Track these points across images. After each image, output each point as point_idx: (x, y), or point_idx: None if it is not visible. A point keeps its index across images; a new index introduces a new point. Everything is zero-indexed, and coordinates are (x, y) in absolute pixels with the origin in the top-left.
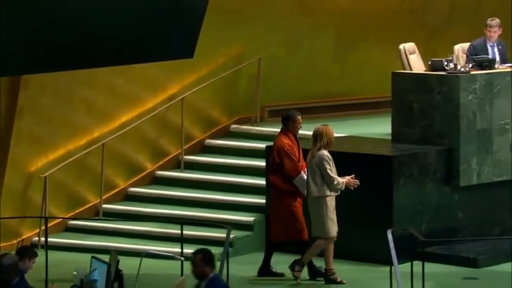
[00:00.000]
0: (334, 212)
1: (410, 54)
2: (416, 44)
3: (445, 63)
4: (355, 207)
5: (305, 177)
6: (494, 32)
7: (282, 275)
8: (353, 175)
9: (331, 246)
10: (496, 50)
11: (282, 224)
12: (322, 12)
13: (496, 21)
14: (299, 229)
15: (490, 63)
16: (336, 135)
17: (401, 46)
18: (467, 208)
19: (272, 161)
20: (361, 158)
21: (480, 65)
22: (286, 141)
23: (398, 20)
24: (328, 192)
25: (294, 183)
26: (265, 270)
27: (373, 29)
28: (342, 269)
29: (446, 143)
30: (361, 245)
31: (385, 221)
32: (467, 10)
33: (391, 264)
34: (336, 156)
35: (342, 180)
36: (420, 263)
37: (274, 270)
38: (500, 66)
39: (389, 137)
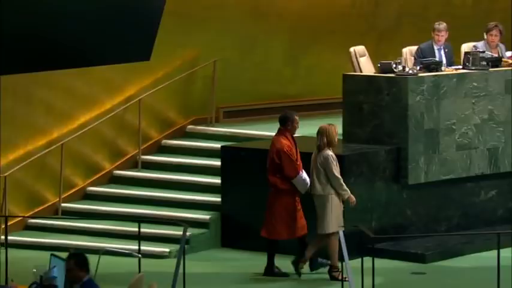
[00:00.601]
0: (341, 208)
1: (361, 57)
2: (366, 47)
3: (394, 65)
4: (308, 205)
5: (304, 176)
6: (442, 36)
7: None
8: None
9: (336, 243)
10: (442, 53)
11: (282, 222)
12: (275, 16)
13: (443, 25)
14: (298, 227)
15: (437, 66)
16: None
17: (351, 49)
18: (416, 205)
19: (271, 161)
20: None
21: (427, 68)
22: (285, 142)
23: (349, 24)
24: (332, 191)
25: (293, 183)
26: (269, 270)
27: (325, 33)
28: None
29: (395, 143)
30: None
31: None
32: (415, 14)
33: (342, 260)
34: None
35: (348, 191)
36: (370, 259)
37: (277, 270)
38: (446, 69)
39: (341, 137)
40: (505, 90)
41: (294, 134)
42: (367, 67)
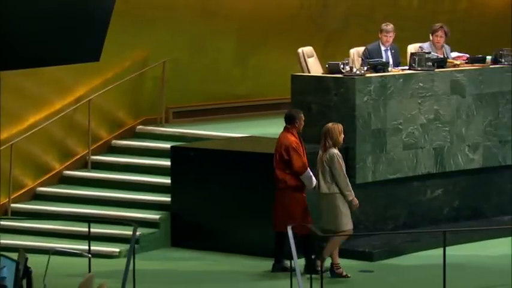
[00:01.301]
0: (347, 206)
1: (309, 57)
2: (314, 48)
3: (342, 66)
4: (255, 204)
5: (311, 173)
6: (390, 37)
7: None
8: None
9: (338, 241)
10: (389, 53)
11: (295, 218)
12: (224, 17)
13: (390, 26)
14: (307, 223)
15: (384, 67)
16: (237, 135)
17: (300, 50)
18: (363, 204)
19: (279, 158)
20: (262, 157)
21: (374, 68)
22: (293, 138)
23: (297, 25)
24: (337, 190)
25: (301, 179)
26: (278, 265)
27: (273, 34)
28: (244, 265)
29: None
30: (262, 240)
31: None
32: (362, 16)
33: (291, 258)
34: (238, 155)
35: (352, 193)
36: None
37: (287, 266)
38: (393, 69)
39: None
40: (451, 91)
41: (300, 132)
42: (315, 68)
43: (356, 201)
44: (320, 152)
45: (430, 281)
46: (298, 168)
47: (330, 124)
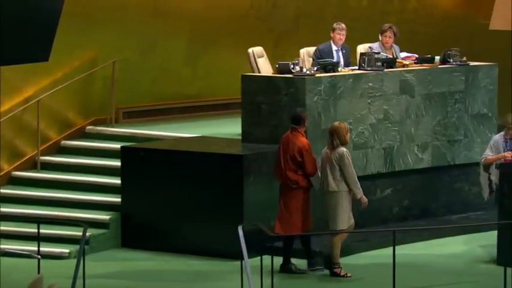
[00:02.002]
0: (350, 204)
1: (259, 57)
2: (265, 48)
3: (292, 66)
4: (207, 204)
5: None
6: (343, 35)
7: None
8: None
9: (339, 241)
10: (340, 54)
11: (299, 219)
12: (175, 17)
13: (342, 25)
14: (309, 223)
15: (334, 67)
16: (188, 135)
17: (250, 50)
18: (314, 203)
19: (291, 159)
20: (213, 157)
21: (324, 68)
22: (304, 139)
23: (247, 25)
24: (345, 188)
25: (311, 179)
26: (286, 267)
27: (223, 34)
28: (194, 264)
29: None
30: (213, 240)
31: (236, 217)
32: (311, 16)
33: (241, 258)
34: (188, 156)
35: (361, 190)
36: (269, 257)
37: (294, 267)
38: (343, 69)
39: (240, 137)
40: (400, 91)
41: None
42: (265, 68)
43: (365, 198)
44: (327, 151)
45: (380, 280)
46: (311, 170)
47: (336, 123)
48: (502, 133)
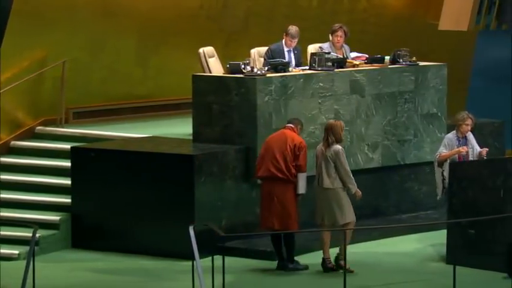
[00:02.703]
0: (348, 198)
1: (210, 57)
2: (215, 48)
3: (243, 66)
4: (158, 204)
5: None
6: (295, 42)
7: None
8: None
9: (328, 237)
10: (292, 54)
11: (294, 214)
12: (124, 17)
13: (295, 29)
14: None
15: (285, 67)
16: (138, 135)
17: (200, 50)
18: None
19: (292, 153)
20: (164, 157)
21: (275, 68)
22: (299, 137)
23: (198, 25)
24: (340, 184)
25: (298, 177)
26: (282, 264)
27: (174, 34)
28: (145, 265)
29: (244, 142)
30: (164, 241)
31: (187, 217)
32: (262, 16)
33: (193, 259)
34: (139, 156)
35: (356, 186)
36: (221, 257)
37: (294, 264)
38: (294, 69)
39: (191, 137)
40: (350, 91)
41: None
42: (216, 68)
43: (359, 192)
44: (322, 148)
45: (331, 278)
46: (304, 167)
47: (332, 121)
48: (454, 132)
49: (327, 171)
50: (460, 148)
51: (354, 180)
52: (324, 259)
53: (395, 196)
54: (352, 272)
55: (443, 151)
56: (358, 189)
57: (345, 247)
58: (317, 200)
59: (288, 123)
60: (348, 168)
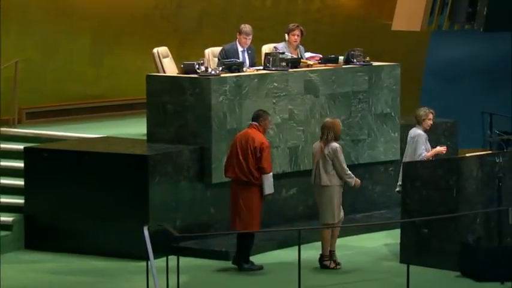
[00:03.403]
0: (341, 198)
1: (164, 57)
2: (170, 48)
3: (197, 66)
4: (112, 205)
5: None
6: (249, 39)
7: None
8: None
9: (329, 234)
10: (246, 54)
11: (257, 216)
12: (78, 17)
13: (248, 27)
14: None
15: (239, 67)
16: (93, 135)
17: (155, 50)
18: (219, 204)
19: (252, 154)
20: (118, 157)
21: (229, 68)
22: (263, 137)
23: (152, 25)
24: (338, 182)
25: (264, 178)
26: (241, 263)
27: (128, 34)
28: (99, 265)
29: (199, 142)
30: (118, 241)
31: (142, 218)
32: (216, 16)
33: (147, 259)
34: (93, 156)
35: (353, 176)
36: (175, 257)
37: (249, 265)
38: (248, 69)
39: (145, 137)
40: (304, 91)
41: (266, 132)
42: (170, 68)
43: (358, 181)
44: (320, 146)
45: (286, 278)
46: (268, 167)
47: (329, 119)
48: (419, 129)
49: (325, 169)
50: (442, 149)
51: (352, 174)
52: (321, 256)
53: (350, 196)
54: (339, 268)
55: (424, 152)
56: (356, 179)
57: (330, 245)
58: (316, 197)
59: (252, 120)
60: (345, 166)
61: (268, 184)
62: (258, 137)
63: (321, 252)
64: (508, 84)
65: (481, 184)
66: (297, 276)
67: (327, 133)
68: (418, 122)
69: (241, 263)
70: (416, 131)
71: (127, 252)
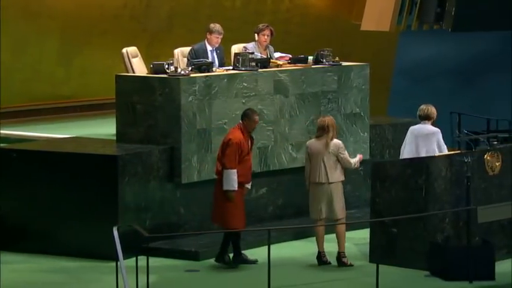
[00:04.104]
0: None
1: (133, 57)
2: (139, 48)
3: (166, 66)
4: (82, 205)
5: (235, 177)
6: (219, 39)
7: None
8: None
9: (323, 231)
10: (215, 54)
11: (227, 212)
12: (47, 17)
13: (218, 26)
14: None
15: (208, 67)
16: (62, 136)
17: (124, 50)
18: (189, 204)
19: (219, 153)
20: (87, 158)
21: (199, 68)
22: (237, 134)
23: (121, 25)
24: (342, 177)
25: (223, 174)
26: (238, 258)
27: (97, 34)
28: (69, 266)
29: (169, 142)
30: (87, 242)
31: (111, 218)
32: (185, 16)
33: (117, 259)
34: (62, 157)
35: (356, 160)
36: (145, 257)
37: (244, 257)
38: (217, 69)
39: (115, 138)
40: (274, 91)
41: (251, 131)
42: (139, 68)
43: (357, 158)
44: (324, 143)
45: (255, 278)
46: (224, 162)
47: (327, 118)
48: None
49: (330, 166)
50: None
51: (353, 163)
52: (319, 252)
53: None
54: (352, 265)
55: (435, 150)
56: (356, 161)
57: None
58: (314, 195)
59: (241, 119)
60: (350, 160)
61: (227, 180)
62: (231, 133)
63: (317, 249)
64: (477, 84)
65: (450, 184)
66: (266, 275)
67: (329, 130)
68: (429, 119)
69: (236, 255)
70: (431, 128)
71: (97, 253)
